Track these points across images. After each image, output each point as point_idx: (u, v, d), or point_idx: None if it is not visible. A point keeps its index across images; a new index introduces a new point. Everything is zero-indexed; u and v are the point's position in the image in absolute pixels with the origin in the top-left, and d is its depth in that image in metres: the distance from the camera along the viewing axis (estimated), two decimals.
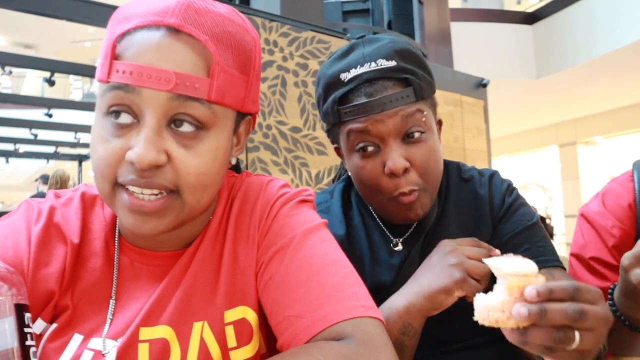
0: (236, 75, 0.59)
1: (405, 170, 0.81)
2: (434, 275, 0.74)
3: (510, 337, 0.55)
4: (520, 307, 0.52)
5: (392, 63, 0.81)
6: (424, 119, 0.82)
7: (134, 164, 0.54)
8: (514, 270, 0.54)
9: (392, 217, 0.86)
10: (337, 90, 0.83)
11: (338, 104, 0.83)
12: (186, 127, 0.56)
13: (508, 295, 0.54)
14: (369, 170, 0.83)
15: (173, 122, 0.56)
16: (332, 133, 0.91)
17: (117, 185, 0.57)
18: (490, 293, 0.55)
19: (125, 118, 0.55)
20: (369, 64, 0.81)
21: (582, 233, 1.01)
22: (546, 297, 0.52)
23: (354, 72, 0.81)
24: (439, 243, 0.79)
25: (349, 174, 0.92)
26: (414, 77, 0.82)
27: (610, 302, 0.81)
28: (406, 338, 0.74)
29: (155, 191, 0.56)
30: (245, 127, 0.68)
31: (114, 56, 0.55)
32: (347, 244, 0.90)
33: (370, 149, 0.82)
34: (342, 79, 0.82)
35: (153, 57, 0.54)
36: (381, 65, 0.81)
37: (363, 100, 0.80)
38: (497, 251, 0.78)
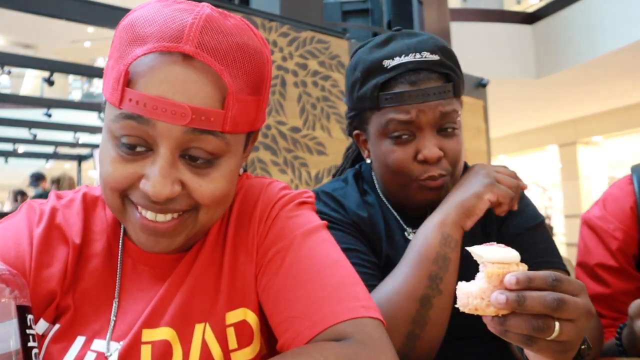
0: (249, 99, 0.58)
1: (438, 159, 0.84)
2: (466, 187, 0.82)
3: (491, 326, 0.54)
4: (498, 294, 0.51)
5: (436, 57, 0.84)
6: (458, 118, 0.86)
7: (149, 196, 0.54)
8: (494, 257, 0.54)
9: (412, 198, 0.88)
10: (379, 76, 0.85)
11: (379, 89, 0.84)
12: (200, 160, 0.56)
13: (487, 282, 0.53)
14: (399, 155, 0.85)
15: (187, 153, 0.56)
16: (360, 118, 0.92)
17: (127, 199, 0.58)
18: (472, 281, 0.55)
19: (138, 148, 0.55)
20: (413, 54, 0.83)
21: (585, 240, 1.01)
22: (525, 285, 0.51)
23: (398, 60, 0.83)
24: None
25: (368, 161, 0.95)
26: (454, 75, 0.85)
27: (618, 341, 0.81)
28: (448, 250, 0.78)
29: (169, 216, 0.57)
30: (253, 137, 0.68)
31: (126, 82, 0.53)
32: (369, 225, 0.92)
33: (405, 136, 0.85)
34: (385, 66, 0.84)
35: (167, 89, 0.53)
36: (425, 57, 0.83)
37: (406, 88, 0.83)
38: (525, 183, 0.85)
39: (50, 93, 7.82)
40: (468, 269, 0.73)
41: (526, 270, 0.54)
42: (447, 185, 0.87)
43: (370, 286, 0.76)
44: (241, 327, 0.63)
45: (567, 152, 9.60)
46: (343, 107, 2.55)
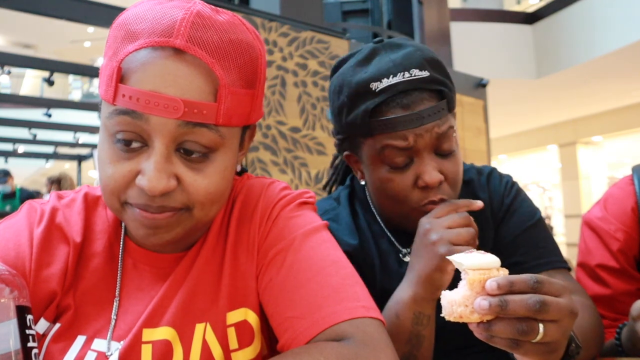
0: (242, 92, 0.58)
1: (439, 184, 0.79)
2: (423, 259, 0.73)
3: (477, 332, 0.54)
4: (481, 300, 0.52)
5: (426, 73, 0.78)
6: (455, 135, 0.81)
7: (145, 190, 0.54)
8: (474, 264, 0.54)
9: (413, 224, 0.82)
10: (368, 101, 0.78)
11: (370, 115, 0.79)
12: (195, 154, 0.57)
13: (470, 289, 0.53)
14: (398, 183, 0.80)
15: (182, 147, 0.56)
16: (351, 143, 0.86)
17: (127, 204, 0.58)
18: (455, 289, 0.55)
19: (133, 144, 0.56)
20: (402, 73, 0.77)
21: (586, 241, 1.01)
22: (507, 289, 0.52)
23: (386, 82, 0.77)
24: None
25: (362, 182, 0.90)
26: (446, 89, 0.80)
27: (617, 341, 0.81)
28: (421, 327, 0.74)
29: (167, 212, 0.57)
30: (250, 133, 0.68)
31: (119, 78, 0.54)
32: (360, 254, 0.89)
33: (402, 162, 0.80)
34: (373, 89, 0.78)
35: (159, 84, 0.53)
36: (415, 75, 0.77)
37: (399, 113, 0.77)
38: (479, 203, 0.77)
39: (50, 93, 7.83)
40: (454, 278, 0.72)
41: (507, 274, 0.54)
42: None
43: None
44: (242, 327, 0.63)
45: (567, 152, 9.60)
46: None
